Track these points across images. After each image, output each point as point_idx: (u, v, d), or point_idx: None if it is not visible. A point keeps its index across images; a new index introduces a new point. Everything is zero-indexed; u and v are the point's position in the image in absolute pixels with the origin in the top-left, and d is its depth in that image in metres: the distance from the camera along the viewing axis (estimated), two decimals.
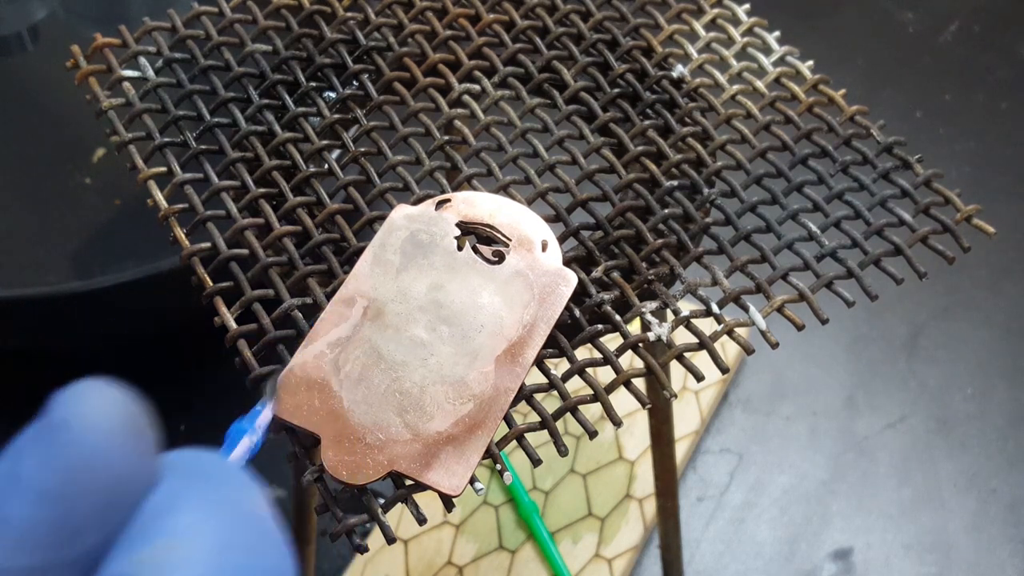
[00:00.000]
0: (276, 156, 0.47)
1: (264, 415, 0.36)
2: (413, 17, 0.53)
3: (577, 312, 0.42)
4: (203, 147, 0.47)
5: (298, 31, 0.52)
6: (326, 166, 0.47)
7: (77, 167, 0.94)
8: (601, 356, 0.41)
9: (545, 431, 0.39)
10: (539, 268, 0.41)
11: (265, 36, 0.51)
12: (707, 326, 0.42)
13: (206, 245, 0.44)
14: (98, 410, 0.18)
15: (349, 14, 0.53)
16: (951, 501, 0.85)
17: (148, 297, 0.76)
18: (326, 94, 0.50)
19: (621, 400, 0.45)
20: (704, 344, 0.41)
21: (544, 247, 0.42)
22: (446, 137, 0.48)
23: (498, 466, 0.37)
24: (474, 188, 0.46)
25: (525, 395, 0.39)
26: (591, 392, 0.40)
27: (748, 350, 0.41)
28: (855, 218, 0.46)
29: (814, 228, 0.45)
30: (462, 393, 0.38)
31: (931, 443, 0.88)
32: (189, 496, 0.19)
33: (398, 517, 0.81)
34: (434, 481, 0.36)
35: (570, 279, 0.41)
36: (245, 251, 0.44)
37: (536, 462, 0.38)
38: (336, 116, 0.48)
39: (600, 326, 0.41)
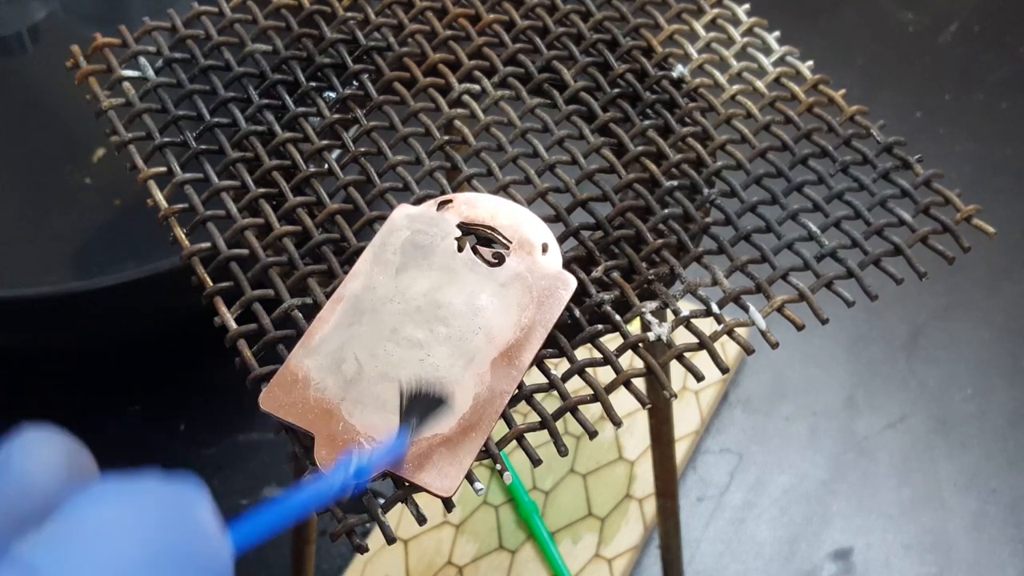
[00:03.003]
0: (276, 156, 0.47)
1: (398, 448, 0.34)
2: (413, 17, 0.53)
3: (577, 312, 0.42)
4: (203, 147, 0.47)
5: (298, 31, 0.51)
6: (326, 166, 0.47)
7: (77, 167, 0.94)
8: (601, 356, 0.41)
9: (545, 431, 0.39)
10: (539, 271, 0.41)
11: (265, 36, 0.51)
12: (707, 326, 0.42)
13: (206, 245, 0.44)
14: (34, 446, 0.23)
15: (349, 14, 0.53)
16: (951, 501, 0.85)
17: (148, 297, 0.76)
18: (326, 94, 0.50)
19: (621, 400, 0.45)
20: (704, 344, 0.41)
21: (544, 250, 0.42)
22: (446, 137, 0.48)
23: (498, 466, 0.37)
24: (474, 188, 0.46)
25: (525, 395, 0.39)
26: (591, 392, 0.39)
27: (748, 350, 0.41)
28: (855, 218, 0.46)
29: (814, 228, 0.45)
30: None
31: (931, 443, 0.88)
32: (108, 497, 0.22)
33: (398, 517, 0.80)
34: (426, 482, 0.36)
35: (569, 283, 0.41)
36: (245, 251, 0.44)
37: (536, 462, 0.38)
38: (336, 116, 0.48)
39: (600, 326, 0.41)
